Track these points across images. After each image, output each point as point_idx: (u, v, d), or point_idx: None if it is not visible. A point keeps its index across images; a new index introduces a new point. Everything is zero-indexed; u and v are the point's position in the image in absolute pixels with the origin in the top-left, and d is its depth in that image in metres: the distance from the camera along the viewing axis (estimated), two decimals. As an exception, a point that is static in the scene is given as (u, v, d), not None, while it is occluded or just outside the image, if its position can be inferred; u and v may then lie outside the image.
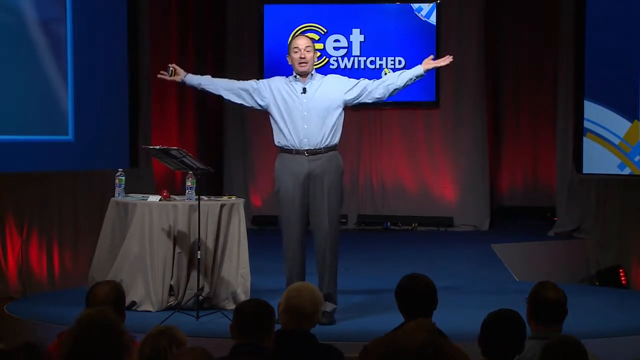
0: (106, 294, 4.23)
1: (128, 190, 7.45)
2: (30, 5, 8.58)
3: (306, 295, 4.18)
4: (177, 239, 7.11)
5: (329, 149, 6.73)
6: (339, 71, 11.93)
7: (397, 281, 4.36)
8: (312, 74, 6.78)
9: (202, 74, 7.12)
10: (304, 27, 11.98)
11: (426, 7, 11.90)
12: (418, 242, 11.01)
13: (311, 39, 7.00)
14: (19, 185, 8.56)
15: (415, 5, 11.92)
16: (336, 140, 6.76)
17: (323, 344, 4.22)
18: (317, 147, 6.70)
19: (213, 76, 7.07)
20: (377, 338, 4.26)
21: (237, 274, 7.20)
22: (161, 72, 6.93)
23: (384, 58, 11.96)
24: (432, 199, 11.99)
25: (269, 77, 6.73)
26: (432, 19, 11.88)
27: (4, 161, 8.39)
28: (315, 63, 6.83)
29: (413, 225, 11.87)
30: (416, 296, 4.26)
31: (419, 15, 11.92)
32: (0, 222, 8.41)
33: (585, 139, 10.38)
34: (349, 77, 6.92)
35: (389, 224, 11.93)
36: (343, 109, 6.80)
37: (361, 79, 6.91)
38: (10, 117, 8.50)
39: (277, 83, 6.85)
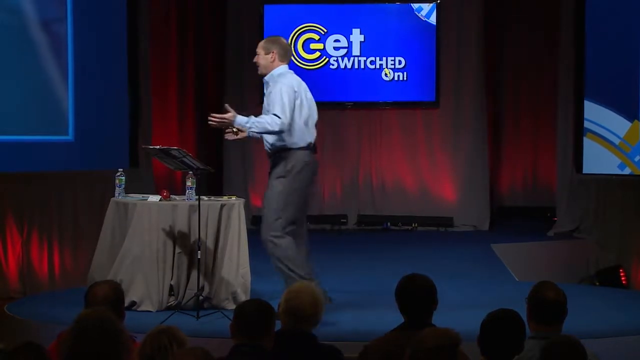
0: (106, 293, 4.23)
1: (128, 190, 7.45)
2: (30, 5, 8.58)
3: (306, 296, 4.18)
4: (177, 239, 7.11)
5: (276, 151, 6.76)
6: (339, 71, 11.96)
7: (397, 281, 4.36)
8: (267, 81, 6.81)
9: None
10: (304, 27, 11.98)
11: (426, 7, 11.90)
12: (418, 242, 11.02)
13: (266, 40, 6.91)
14: (20, 185, 8.56)
15: (415, 5, 11.92)
16: (282, 142, 6.72)
17: (323, 344, 4.22)
18: (268, 151, 6.82)
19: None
20: (377, 338, 4.26)
21: (237, 274, 7.19)
22: (226, 131, 6.91)
23: (384, 58, 11.97)
24: (432, 199, 12.00)
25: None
26: (432, 19, 11.89)
27: (4, 161, 8.39)
28: (271, 61, 6.76)
29: (413, 225, 11.88)
30: (416, 296, 4.25)
31: (419, 15, 11.92)
32: (1, 222, 8.41)
33: (585, 139, 10.38)
34: (282, 92, 6.65)
35: (389, 224, 11.94)
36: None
37: (271, 107, 6.63)
38: (10, 117, 8.50)
39: None
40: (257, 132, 6.71)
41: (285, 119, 6.59)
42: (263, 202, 6.84)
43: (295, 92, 6.71)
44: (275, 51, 6.79)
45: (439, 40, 11.90)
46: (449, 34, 11.96)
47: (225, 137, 7.04)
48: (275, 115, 6.58)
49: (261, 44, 6.86)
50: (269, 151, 6.81)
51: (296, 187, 6.75)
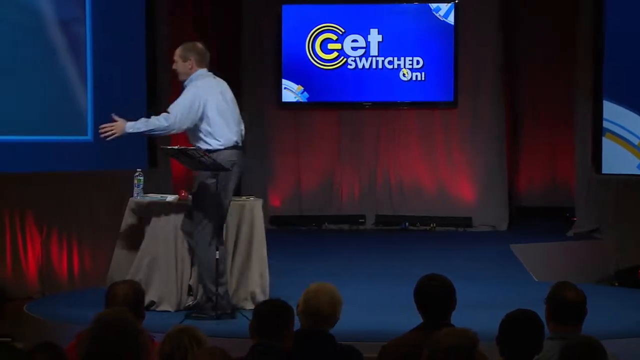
0: (126, 293, 4.24)
1: (146, 190, 7.48)
2: (49, 5, 8.60)
3: (324, 296, 4.18)
4: (195, 239, 7.11)
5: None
6: (357, 71, 11.95)
7: (416, 282, 4.35)
8: (186, 85, 6.89)
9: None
10: (322, 27, 11.98)
11: (444, 6, 11.89)
12: (436, 243, 11.00)
13: (183, 48, 6.95)
14: (39, 185, 8.59)
15: (433, 5, 11.90)
16: (208, 145, 6.80)
17: (342, 344, 4.22)
18: None
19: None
20: (395, 338, 4.26)
21: (256, 274, 7.20)
22: None
23: (402, 58, 11.96)
24: (451, 199, 11.98)
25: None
26: (450, 19, 11.87)
27: (24, 161, 8.42)
28: (189, 68, 6.86)
29: (431, 225, 11.85)
30: (435, 297, 4.24)
31: (437, 15, 11.90)
32: (20, 222, 8.44)
33: (604, 139, 10.32)
34: (188, 92, 6.83)
35: (407, 224, 11.92)
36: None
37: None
38: (29, 118, 8.52)
39: None
40: (146, 131, 6.83)
41: (179, 115, 6.70)
42: (193, 200, 6.88)
43: (200, 97, 6.77)
44: (192, 58, 6.90)
45: (457, 40, 11.88)
46: (467, 34, 11.94)
47: None
48: (167, 112, 6.73)
49: (178, 51, 6.94)
50: None
51: (226, 186, 6.81)
